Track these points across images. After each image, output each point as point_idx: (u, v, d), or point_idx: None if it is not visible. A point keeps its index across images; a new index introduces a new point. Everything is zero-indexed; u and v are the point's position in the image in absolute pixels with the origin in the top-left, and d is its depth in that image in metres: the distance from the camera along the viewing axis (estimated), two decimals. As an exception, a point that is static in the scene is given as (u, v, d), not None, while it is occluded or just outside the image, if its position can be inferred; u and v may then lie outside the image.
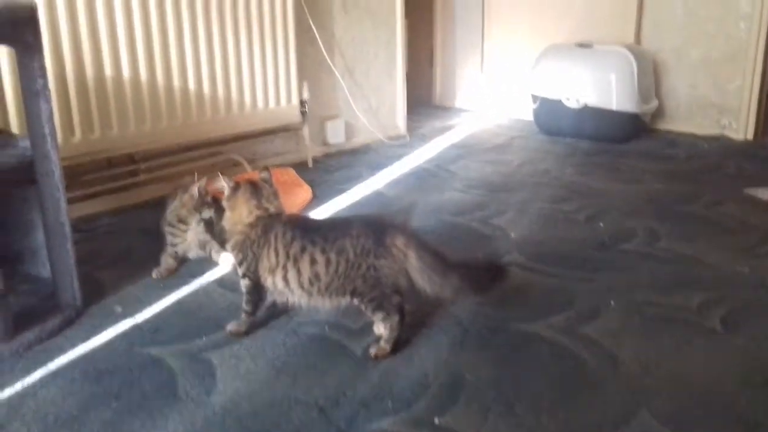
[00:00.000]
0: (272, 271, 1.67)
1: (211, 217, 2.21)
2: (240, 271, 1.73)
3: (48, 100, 1.74)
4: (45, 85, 1.73)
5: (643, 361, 1.61)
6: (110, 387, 1.53)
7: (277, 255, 1.66)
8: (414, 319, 1.80)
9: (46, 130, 1.75)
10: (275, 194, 1.75)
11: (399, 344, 1.66)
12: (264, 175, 1.77)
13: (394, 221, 1.72)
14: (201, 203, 2.20)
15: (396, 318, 1.63)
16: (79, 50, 2.49)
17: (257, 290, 1.73)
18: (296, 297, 1.68)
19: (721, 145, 4.04)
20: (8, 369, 1.61)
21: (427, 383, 1.54)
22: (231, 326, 1.77)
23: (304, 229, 1.68)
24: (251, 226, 1.69)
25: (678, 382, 1.53)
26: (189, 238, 2.23)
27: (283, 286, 1.67)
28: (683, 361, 1.62)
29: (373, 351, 1.64)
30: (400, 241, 1.61)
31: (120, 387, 1.53)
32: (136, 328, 1.82)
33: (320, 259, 1.61)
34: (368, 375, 1.57)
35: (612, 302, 1.92)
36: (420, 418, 1.41)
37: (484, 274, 1.70)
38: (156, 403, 1.47)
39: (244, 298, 1.75)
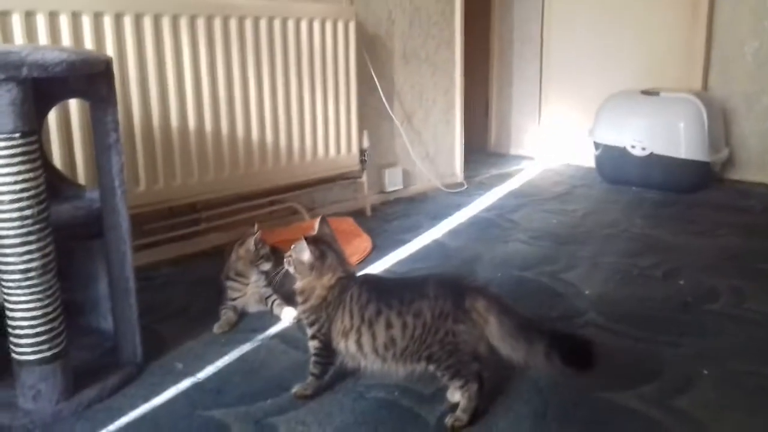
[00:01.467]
0: (345, 334, 1.59)
1: (269, 270, 2.16)
2: (310, 332, 1.65)
3: (120, 153, 1.73)
4: (117, 139, 1.72)
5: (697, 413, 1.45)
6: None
7: (351, 317, 1.57)
8: (490, 385, 1.68)
9: (116, 183, 1.73)
10: (344, 252, 1.68)
11: (477, 414, 1.54)
12: (327, 230, 1.69)
13: (473, 282, 1.62)
14: (258, 256, 2.16)
15: (475, 386, 1.52)
16: (147, 101, 2.50)
17: (327, 353, 1.64)
18: (369, 362, 1.59)
19: (798, 195, 3.83)
20: (68, 429, 1.55)
21: (510, 463, 1.41)
22: (297, 389, 1.68)
23: (379, 290, 1.59)
24: (330, 288, 1.61)
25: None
26: (249, 292, 2.18)
27: (356, 350, 1.58)
28: (742, 416, 1.46)
29: (449, 421, 1.52)
30: (480, 305, 1.51)
31: (184, 454, 1.45)
32: (198, 388, 1.74)
33: (396, 322, 1.52)
34: (445, 449, 1.46)
35: (705, 371, 1.77)
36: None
37: (577, 345, 1.54)
38: (221, 474, 1.38)
39: (313, 359, 1.66)
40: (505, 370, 1.79)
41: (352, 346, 1.58)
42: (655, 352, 1.89)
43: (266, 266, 2.17)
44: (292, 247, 1.65)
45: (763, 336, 1.98)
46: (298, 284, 1.66)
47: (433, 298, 1.52)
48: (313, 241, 1.62)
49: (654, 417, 1.56)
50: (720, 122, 4.05)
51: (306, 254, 1.61)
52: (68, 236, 1.70)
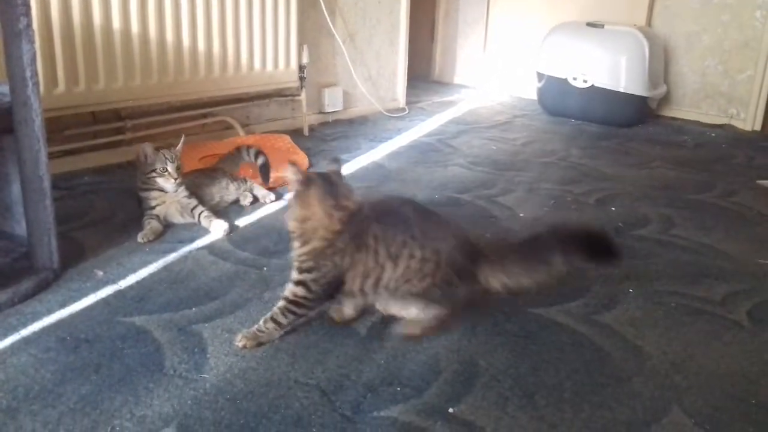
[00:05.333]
0: (366, 275, 1.46)
1: (169, 173, 2.05)
2: (299, 278, 1.46)
3: (31, 41, 1.57)
4: (29, 25, 1.56)
5: (671, 355, 1.49)
6: (89, 358, 1.39)
7: (377, 256, 1.45)
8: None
9: (28, 74, 1.59)
10: (350, 188, 1.49)
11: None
12: (334, 167, 1.53)
13: (485, 250, 1.55)
14: (149, 167, 2.04)
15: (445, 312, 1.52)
16: (66, -7, 2.30)
17: (314, 304, 1.48)
18: (377, 299, 1.54)
19: (728, 134, 3.93)
20: (-25, 333, 1.46)
21: (438, 369, 1.41)
22: (244, 339, 1.45)
23: (399, 219, 1.48)
24: (338, 233, 1.43)
25: (710, 378, 1.42)
26: (168, 201, 2.08)
27: (372, 287, 1.47)
28: (713, 355, 1.51)
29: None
30: (487, 273, 1.50)
31: (100, 359, 1.39)
32: (119, 295, 1.67)
33: (417, 254, 1.45)
34: (374, 357, 1.44)
35: (630, 290, 1.80)
36: (433, 407, 1.28)
37: (593, 239, 1.53)
38: (140, 378, 1.32)
39: (285, 308, 1.47)
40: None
41: (369, 286, 1.47)
42: (584, 272, 1.91)
43: (161, 181, 2.04)
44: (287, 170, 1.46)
45: (688, 260, 2.04)
46: (292, 222, 1.46)
47: (451, 249, 1.47)
48: (304, 172, 1.45)
49: (580, 330, 1.59)
50: (660, 59, 4.08)
51: (293, 183, 1.43)
52: (-27, 130, 1.56)
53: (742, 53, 3.98)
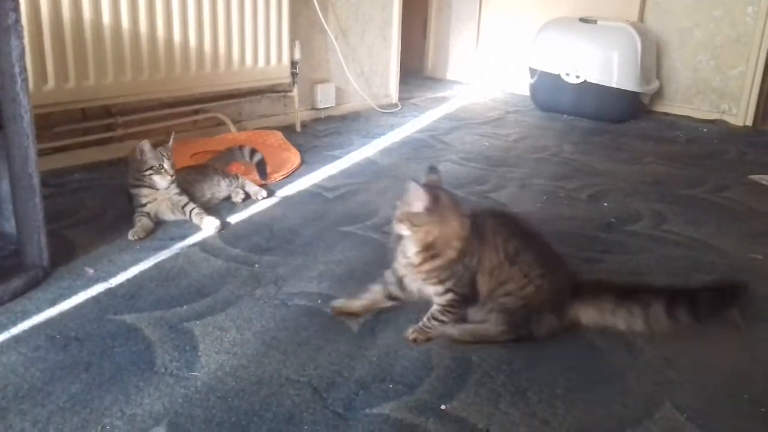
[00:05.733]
0: (491, 272, 1.46)
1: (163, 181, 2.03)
2: (441, 288, 1.47)
3: (20, 37, 1.56)
4: (17, 20, 1.55)
5: (663, 351, 1.49)
6: (79, 357, 1.38)
7: (497, 251, 1.45)
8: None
9: (17, 70, 1.57)
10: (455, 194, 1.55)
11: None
12: (434, 176, 1.52)
13: (582, 284, 1.56)
14: (145, 165, 2.02)
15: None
16: (55, -12, 2.28)
17: (465, 303, 1.49)
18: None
19: (720, 129, 3.94)
20: (-36, 332, 1.44)
21: (430, 365, 1.40)
22: (414, 333, 1.49)
23: (514, 226, 1.52)
24: (467, 239, 1.43)
25: (702, 374, 1.42)
26: (159, 199, 2.07)
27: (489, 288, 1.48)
28: (705, 351, 1.51)
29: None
30: (579, 306, 1.52)
31: (90, 357, 1.38)
32: (110, 293, 1.65)
33: (530, 272, 1.47)
34: (366, 354, 1.44)
35: (623, 285, 1.81)
36: (425, 403, 1.28)
37: (708, 295, 1.50)
38: (130, 377, 1.31)
39: (443, 311, 1.48)
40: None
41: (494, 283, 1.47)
42: (577, 269, 1.91)
43: (157, 179, 2.03)
44: (398, 205, 1.44)
45: (679, 254, 2.04)
46: (416, 240, 1.43)
47: (557, 275, 1.50)
48: (426, 186, 1.42)
49: (574, 327, 1.58)
50: (653, 54, 4.08)
51: (421, 200, 1.39)
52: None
53: (733, 49, 3.99)
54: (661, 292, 1.48)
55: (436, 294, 1.48)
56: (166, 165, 2.03)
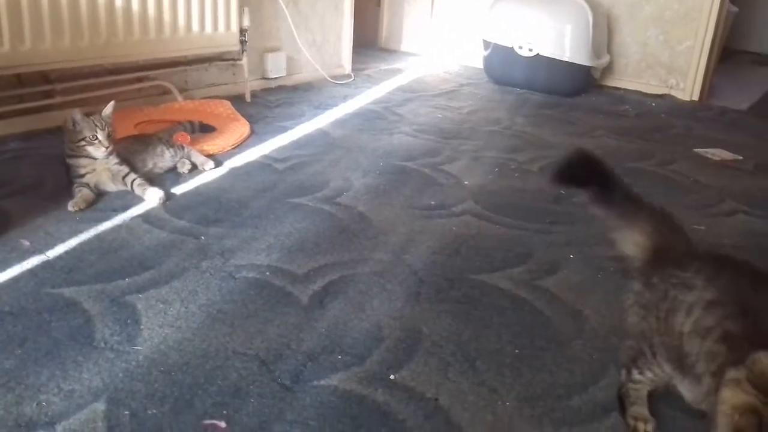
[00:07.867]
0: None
1: (99, 141, 1.95)
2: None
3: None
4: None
5: (609, 319, 1.51)
6: (13, 332, 1.31)
7: None
8: (367, 267, 1.65)
9: (-62, 28, 1.47)
10: None
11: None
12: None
13: None
14: (78, 136, 1.95)
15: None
16: (-16, -56, 2.14)
17: None
18: None
19: (668, 104, 4.02)
20: None
21: (380, 336, 1.39)
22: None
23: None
24: None
25: (645, 340, 1.45)
26: (98, 169, 1.99)
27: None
28: None
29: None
30: None
31: (26, 332, 1.32)
32: (47, 266, 1.58)
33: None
34: (315, 326, 1.41)
35: (571, 256, 1.82)
36: (374, 374, 1.26)
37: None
38: (68, 352, 1.26)
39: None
40: (380, 253, 1.76)
41: None
42: (526, 239, 1.93)
43: (91, 149, 1.95)
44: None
45: (627, 226, 2.07)
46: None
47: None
48: None
49: (521, 295, 1.60)
50: (604, 28, 4.11)
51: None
52: None
53: (682, 23, 4.04)
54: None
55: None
56: (101, 135, 1.95)
